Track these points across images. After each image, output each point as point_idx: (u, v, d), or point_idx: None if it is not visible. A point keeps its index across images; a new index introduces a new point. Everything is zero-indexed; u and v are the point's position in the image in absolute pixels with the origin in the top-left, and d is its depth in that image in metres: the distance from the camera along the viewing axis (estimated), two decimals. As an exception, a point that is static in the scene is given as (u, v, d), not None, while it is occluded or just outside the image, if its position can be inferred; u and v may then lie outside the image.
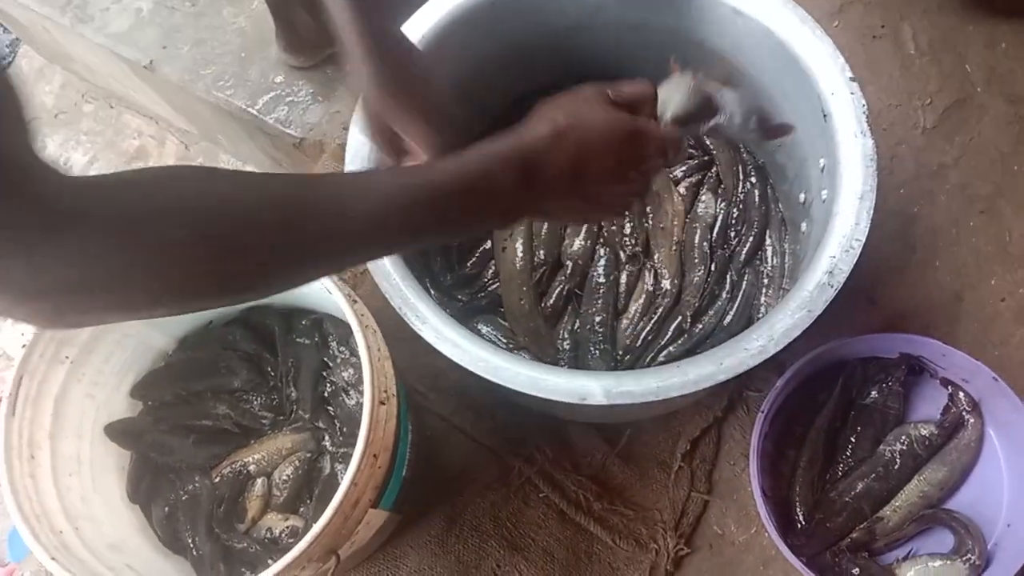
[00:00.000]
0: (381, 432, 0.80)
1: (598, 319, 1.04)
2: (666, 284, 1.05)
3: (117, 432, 0.98)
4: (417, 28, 0.95)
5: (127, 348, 0.96)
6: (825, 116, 0.88)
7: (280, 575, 0.74)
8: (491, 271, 1.10)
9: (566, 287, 1.06)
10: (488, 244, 1.11)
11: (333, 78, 1.34)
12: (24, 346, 0.84)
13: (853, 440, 1.02)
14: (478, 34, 1.00)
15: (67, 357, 0.88)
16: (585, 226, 1.07)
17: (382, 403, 0.81)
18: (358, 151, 0.92)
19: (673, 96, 0.74)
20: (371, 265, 0.85)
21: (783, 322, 0.79)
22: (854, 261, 0.81)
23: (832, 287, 0.80)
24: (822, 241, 0.84)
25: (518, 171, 0.61)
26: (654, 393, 0.77)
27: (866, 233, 0.82)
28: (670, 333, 1.03)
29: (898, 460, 0.99)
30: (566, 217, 0.69)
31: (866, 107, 0.87)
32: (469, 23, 0.98)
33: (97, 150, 1.97)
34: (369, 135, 0.84)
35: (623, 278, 1.06)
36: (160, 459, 0.99)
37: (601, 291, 1.05)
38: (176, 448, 0.99)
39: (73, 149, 1.99)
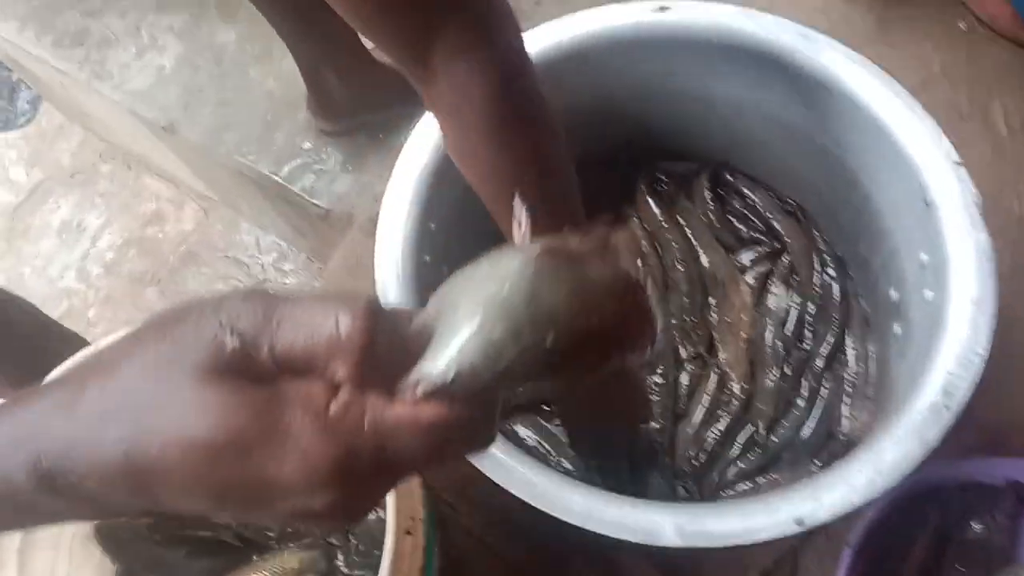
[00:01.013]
0: (405, 567, 0.67)
1: (656, 425, 0.91)
2: (734, 387, 0.92)
3: (104, 535, 0.86)
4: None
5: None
6: (927, 204, 0.77)
7: None
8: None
9: (619, 388, 0.93)
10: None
11: (365, 146, 1.24)
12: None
13: (953, 580, 0.88)
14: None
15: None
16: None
17: (408, 532, 0.68)
18: (391, 228, 0.82)
19: (457, 323, 0.33)
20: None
21: (891, 451, 0.67)
22: (975, 378, 0.69)
23: (949, 410, 0.68)
24: (931, 352, 0.72)
25: (33, 479, 0.33)
26: (739, 536, 0.65)
27: (988, 346, 0.70)
28: (741, 445, 0.90)
29: (1009, 607, 0.84)
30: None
31: (978, 196, 0.76)
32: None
33: (112, 213, 1.88)
34: None
35: (684, 379, 0.93)
36: (145, 574, 0.86)
37: (661, 393, 0.92)
38: (167, 560, 0.87)
39: (88, 211, 1.90)
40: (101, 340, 0.75)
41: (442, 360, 0.32)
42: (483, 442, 0.35)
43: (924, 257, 0.79)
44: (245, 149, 1.28)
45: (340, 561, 0.86)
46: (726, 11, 0.85)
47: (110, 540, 0.86)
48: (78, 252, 1.87)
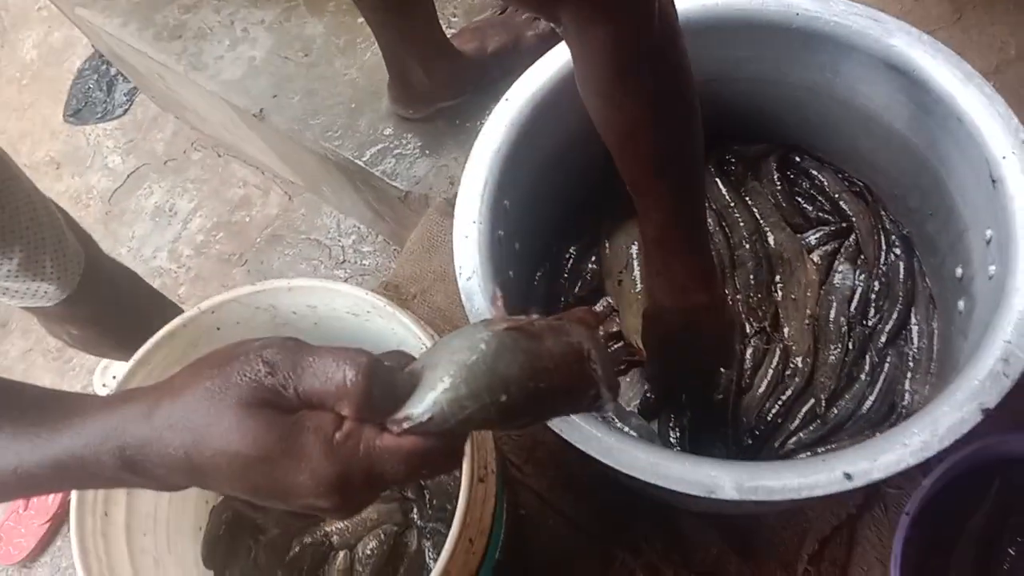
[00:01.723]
0: (478, 513, 0.72)
1: (718, 397, 0.94)
2: (797, 362, 0.95)
3: None
4: (533, 82, 0.90)
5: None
6: (995, 182, 0.78)
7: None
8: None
9: (683, 360, 0.97)
10: (598, 308, 1.04)
11: (443, 131, 1.30)
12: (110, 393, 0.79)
13: (1011, 553, 0.88)
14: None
15: (152, 407, 0.84)
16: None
17: (481, 480, 0.73)
18: (469, 205, 0.86)
19: (436, 376, 0.45)
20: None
21: (949, 416, 0.69)
22: (1035, 348, 0.70)
23: (1008, 377, 0.69)
24: (992, 322, 0.73)
25: (118, 461, 0.47)
26: (795, 491, 0.67)
27: (1050, 316, 0.71)
28: (801, 417, 0.93)
29: (1070, 583, 0.85)
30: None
31: (1046, 173, 0.77)
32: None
33: (202, 198, 1.99)
34: None
35: (748, 352, 0.96)
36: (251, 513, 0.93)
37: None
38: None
39: (179, 196, 2.01)
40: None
41: (421, 406, 0.44)
42: (449, 466, 0.48)
43: (989, 233, 0.80)
44: (330, 135, 1.35)
45: (415, 515, 0.92)
46: (798, -4, 0.88)
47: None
48: (170, 234, 1.98)
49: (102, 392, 1.76)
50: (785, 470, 0.69)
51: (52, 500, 1.62)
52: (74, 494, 0.76)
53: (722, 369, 0.94)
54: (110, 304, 1.18)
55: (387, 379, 0.45)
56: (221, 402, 0.44)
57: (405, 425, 0.44)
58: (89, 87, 2.29)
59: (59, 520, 1.65)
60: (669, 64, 0.73)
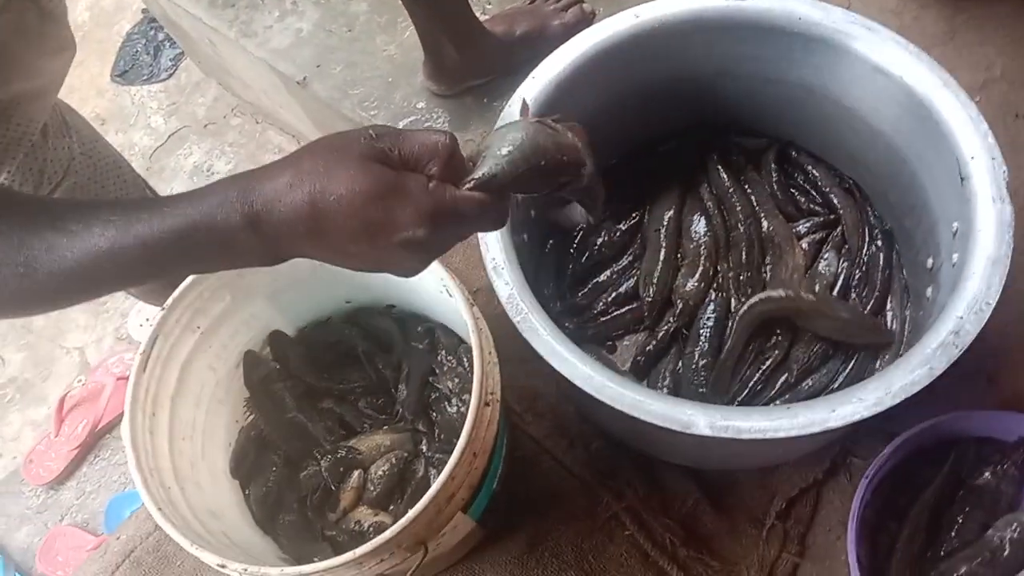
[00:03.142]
0: (483, 432, 0.82)
1: (702, 362, 1.03)
2: (779, 336, 1.04)
3: (251, 365, 1.03)
4: (557, 64, 0.99)
5: (253, 329, 1.01)
6: (963, 179, 0.87)
7: (368, 556, 0.75)
8: (601, 304, 1.11)
9: (673, 326, 1.06)
10: (601, 277, 1.13)
11: (471, 108, 1.40)
12: (163, 308, 0.90)
13: (960, 520, 0.97)
14: (616, 74, 1.03)
15: (199, 327, 0.94)
16: (700, 268, 1.08)
17: (487, 404, 0.82)
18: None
19: (494, 150, 0.62)
20: (492, 277, 0.88)
21: (902, 378, 0.78)
22: (982, 323, 0.79)
23: (957, 347, 0.78)
24: (949, 302, 0.82)
25: (244, 218, 0.56)
26: (761, 432, 0.77)
27: (996, 297, 0.80)
28: (777, 388, 1.02)
29: (1007, 548, 0.93)
30: (343, 265, 0.61)
31: (1007, 173, 0.86)
32: (607, 62, 1.00)
33: (239, 161, 2.10)
34: None
35: (732, 324, 1.06)
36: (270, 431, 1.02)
37: (708, 334, 1.04)
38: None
39: (217, 158, 2.12)
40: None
41: (487, 168, 0.61)
42: (499, 220, 0.64)
43: (956, 226, 0.89)
44: (367, 105, 1.45)
45: (424, 446, 1.02)
46: (801, 2, 0.97)
47: (255, 369, 1.04)
48: (206, 193, 2.08)
49: (138, 332, 1.87)
50: (754, 413, 0.78)
51: (82, 428, 1.74)
52: (128, 393, 0.87)
53: None
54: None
55: (460, 151, 0.60)
56: (342, 156, 0.56)
57: (474, 183, 0.60)
58: (137, 50, 2.40)
59: (87, 448, 1.76)
60: None
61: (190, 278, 0.91)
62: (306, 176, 0.55)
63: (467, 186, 0.60)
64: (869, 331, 1.03)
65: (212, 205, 0.57)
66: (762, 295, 1.02)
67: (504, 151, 0.62)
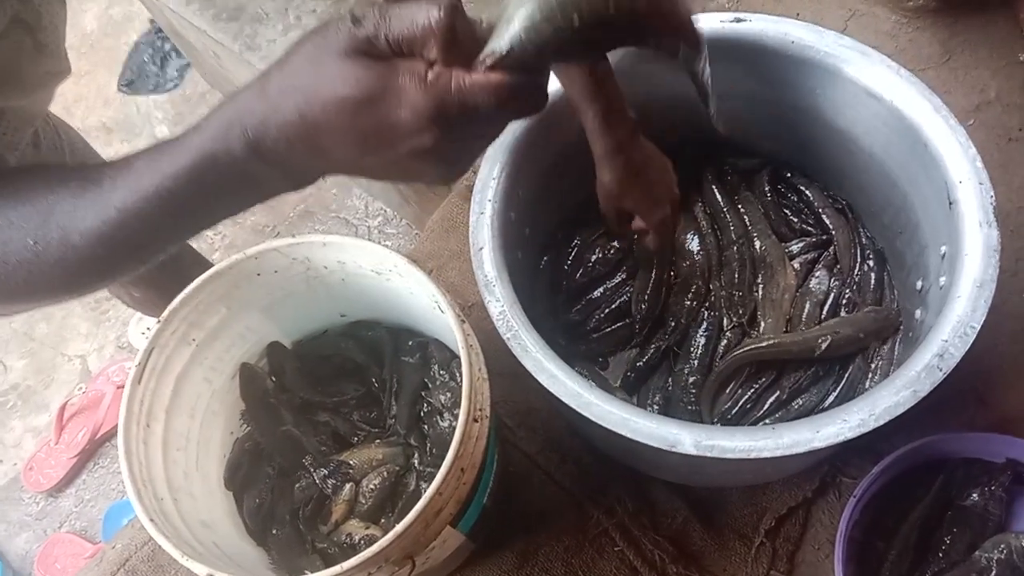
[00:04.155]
0: (471, 448, 0.83)
1: (692, 379, 1.04)
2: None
3: (247, 377, 1.03)
4: (551, 83, 1.00)
5: (248, 341, 1.02)
6: (951, 203, 0.88)
7: (355, 570, 0.76)
8: (594, 321, 1.12)
9: (665, 344, 1.07)
10: (595, 294, 1.14)
11: None
12: (159, 320, 0.91)
13: (947, 541, 0.98)
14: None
15: (194, 339, 0.95)
16: (693, 287, 1.09)
17: (475, 420, 0.83)
18: (486, 186, 0.97)
19: (510, 12, 0.47)
20: (483, 294, 0.89)
21: (886, 399, 0.78)
22: (967, 347, 0.80)
23: (941, 371, 0.79)
24: (935, 325, 0.83)
25: (245, 148, 0.51)
26: (745, 451, 0.77)
27: (982, 321, 0.81)
28: (767, 407, 1.03)
29: (994, 569, 0.94)
30: (373, 178, 0.53)
31: (993, 198, 0.87)
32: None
33: (242, 171, 2.12)
34: (606, 212, 1.04)
35: (723, 343, 1.06)
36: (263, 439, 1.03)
37: (699, 353, 1.05)
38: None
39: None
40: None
41: (501, 41, 0.47)
42: (536, 102, 0.50)
43: (944, 249, 0.90)
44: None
45: (415, 460, 1.02)
46: (795, 25, 0.98)
47: (252, 383, 1.05)
48: (209, 204, 2.10)
49: (138, 340, 1.88)
50: (739, 433, 0.79)
51: (81, 436, 1.75)
52: (122, 406, 0.88)
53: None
54: (169, 268, 1.30)
55: (469, 24, 0.48)
56: (322, 57, 0.47)
57: (489, 61, 0.47)
58: (144, 61, 2.43)
59: (86, 456, 1.77)
60: None
61: (183, 292, 0.92)
62: (288, 86, 0.49)
63: (480, 67, 0.47)
64: (869, 331, 1.03)
65: (211, 140, 0.52)
66: (749, 346, 1.03)
67: (522, 13, 0.47)
